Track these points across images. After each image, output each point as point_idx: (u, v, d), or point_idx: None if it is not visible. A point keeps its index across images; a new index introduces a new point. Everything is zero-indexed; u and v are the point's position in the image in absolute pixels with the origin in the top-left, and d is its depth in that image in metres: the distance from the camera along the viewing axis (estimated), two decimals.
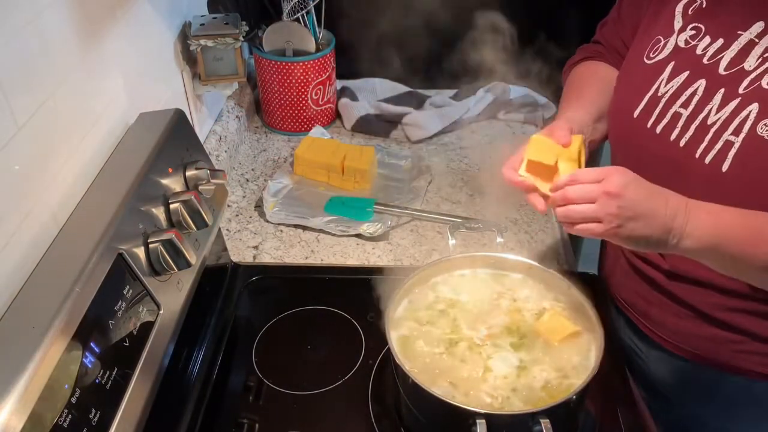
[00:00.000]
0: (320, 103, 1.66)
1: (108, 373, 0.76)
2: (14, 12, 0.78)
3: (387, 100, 1.75)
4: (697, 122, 0.91)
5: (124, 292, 0.81)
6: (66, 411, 0.68)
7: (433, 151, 1.62)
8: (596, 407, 1.00)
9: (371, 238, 1.34)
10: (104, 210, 0.84)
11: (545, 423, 0.81)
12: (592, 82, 1.12)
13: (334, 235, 1.35)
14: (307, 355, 1.11)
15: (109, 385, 0.75)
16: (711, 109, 0.90)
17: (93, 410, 0.72)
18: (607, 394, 1.03)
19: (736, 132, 0.87)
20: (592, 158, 1.88)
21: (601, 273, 1.24)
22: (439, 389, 0.89)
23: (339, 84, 1.76)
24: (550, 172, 0.90)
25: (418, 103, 1.75)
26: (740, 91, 0.88)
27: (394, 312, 0.99)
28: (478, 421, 0.82)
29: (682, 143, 0.92)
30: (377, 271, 1.24)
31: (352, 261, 1.30)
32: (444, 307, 1.02)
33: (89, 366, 0.73)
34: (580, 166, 0.91)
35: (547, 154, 0.90)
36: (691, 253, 0.86)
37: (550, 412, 0.82)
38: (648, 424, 1.03)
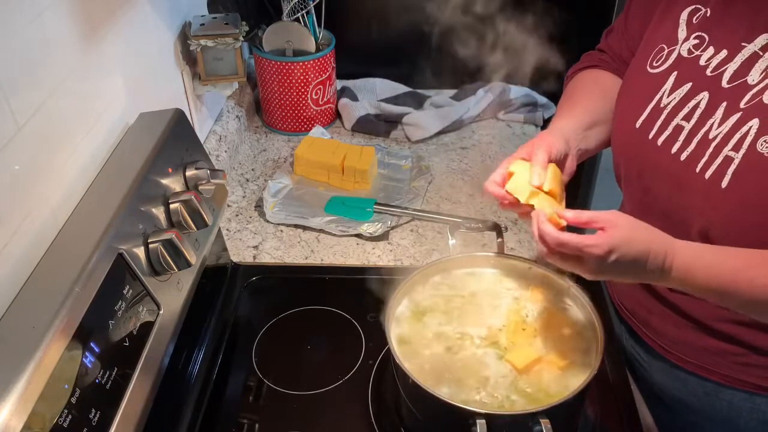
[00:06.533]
0: (320, 103, 1.66)
1: (108, 373, 0.76)
2: (15, 12, 0.78)
3: (387, 100, 1.75)
4: (699, 136, 0.89)
5: (124, 292, 0.81)
6: (66, 411, 0.68)
7: (433, 151, 1.62)
8: (597, 409, 1.00)
9: (371, 238, 1.34)
10: (104, 210, 0.84)
11: (545, 423, 0.81)
12: (590, 90, 1.11)
13: (334, 235, 1.35)
14: (307, 355, 1.11)
15: (109, 385, 0.75)
16: (713, 123, 0.88)
17: (93, 410, 0.72)
18: (608, 396, 1.03)
19: (736, 148, 0.85)
20: (589, 164, 1.89)
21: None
22: (439, 389, 0.89)
23: (339, 84, 1.76)
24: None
25: (418, 103, 1.75)
26: (741, 105, 0.86)
27: (394, 312, 0.99)
28: (478, 421, 0.82)
29: (683, 157, 0.91)
30: (377, 271, 1.24)
31: (352, 261, 1.30)
32: (444, 307, 1.02)
33: (89, 366, 0.73)
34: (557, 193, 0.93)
35: (524, 189, 0.91)
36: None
37: (550, 412, 0.82)
38: (649, 428, 1.02)
